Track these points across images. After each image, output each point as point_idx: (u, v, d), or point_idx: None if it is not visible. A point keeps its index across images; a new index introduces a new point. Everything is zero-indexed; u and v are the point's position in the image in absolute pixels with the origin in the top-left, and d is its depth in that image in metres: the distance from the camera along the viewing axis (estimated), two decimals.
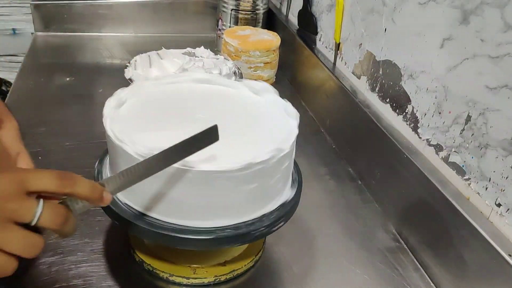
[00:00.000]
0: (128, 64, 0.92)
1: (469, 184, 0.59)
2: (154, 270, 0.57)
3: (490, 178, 0.56)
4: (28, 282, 0.54)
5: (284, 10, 1.24)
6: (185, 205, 0.48)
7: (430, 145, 0.66)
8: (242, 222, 0.50)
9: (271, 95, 0.59)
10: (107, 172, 0.55)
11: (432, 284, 0.61)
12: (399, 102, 0.73)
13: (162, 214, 0.49)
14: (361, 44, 0.85)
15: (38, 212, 0.36)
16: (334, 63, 0.95)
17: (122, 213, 0.49)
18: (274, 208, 0.52)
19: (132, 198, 0.50)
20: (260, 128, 0.55)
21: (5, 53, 1.51)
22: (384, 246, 0.67)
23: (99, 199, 0.40)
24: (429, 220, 0.62)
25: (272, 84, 0.60)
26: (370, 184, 0.77)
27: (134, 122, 0.52)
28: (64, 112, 0.92)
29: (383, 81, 0.78)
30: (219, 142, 0.45)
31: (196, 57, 0.98)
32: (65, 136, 0.83)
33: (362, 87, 0.85)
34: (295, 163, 0.58)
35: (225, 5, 1.18)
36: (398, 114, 0.74)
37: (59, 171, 0.38)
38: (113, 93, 0.57)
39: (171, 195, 0.47)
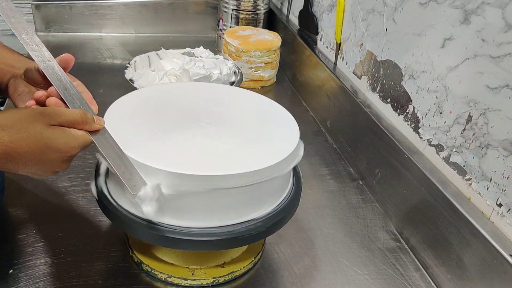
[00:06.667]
0: (128, 65, 0.92)
1: (470, 184, 0.59)
2: (152, 271, 0.56)
3: (491, 178, 0.56)
4: (29, 282, 0.54)
5: (285, 10, 1.24)
6: (182, 207, 0.48)
7: (431, 145, 0.66)
8: (241, 222, 0.50)
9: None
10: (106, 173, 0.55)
11: (433, 284, 0.61)
12: (400, 102, 0.73)
13: (160, 216, 0.48)
14: (361, 44, 0.85)
15: None
16: (335, 63, 0.95)
17: (118, 214, 0.49)
18: (273, 208, 0.52)
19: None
20: (264, 136, 0.55)
21: None
22: (385, 246, 0.67)
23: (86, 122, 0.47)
24: (430, 220, 0.62)
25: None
26: (371, 184, 0.77)
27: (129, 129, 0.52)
28: None
29: (384, 81, 0.78)
30: (222, 145, 0.45)
31: (195, 57, 0.98)
32: None
33: (363, 87, 0.85)
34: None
35: (226, 5, 1.18)
36: (399, 114, 0.74)
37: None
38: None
39: (168, 198, 0.47)
